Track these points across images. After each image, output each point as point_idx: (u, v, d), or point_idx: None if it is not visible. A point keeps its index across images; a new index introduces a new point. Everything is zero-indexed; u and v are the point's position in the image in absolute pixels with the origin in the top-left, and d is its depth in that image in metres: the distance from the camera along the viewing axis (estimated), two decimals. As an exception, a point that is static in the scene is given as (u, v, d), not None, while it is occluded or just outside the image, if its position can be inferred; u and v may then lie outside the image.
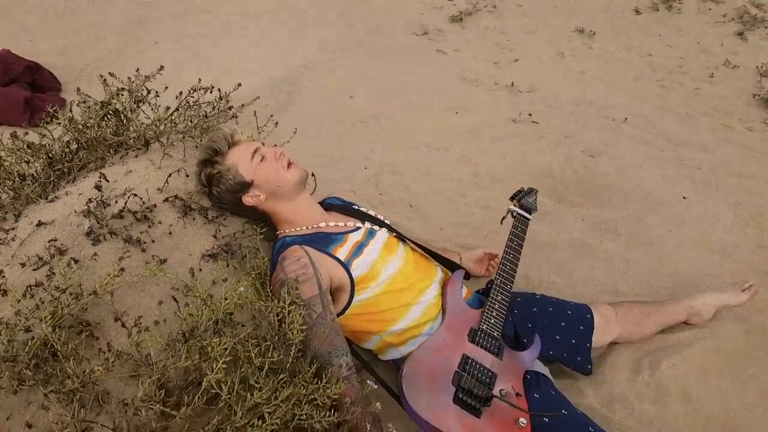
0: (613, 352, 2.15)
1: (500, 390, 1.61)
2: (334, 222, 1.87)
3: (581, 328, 1.95)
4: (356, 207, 2.04)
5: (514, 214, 2.09)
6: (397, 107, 3.78)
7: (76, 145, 1.97)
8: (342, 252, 1.75)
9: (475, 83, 4.40)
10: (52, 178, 1.88)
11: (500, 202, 2.95)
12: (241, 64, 4.03)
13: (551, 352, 1.90)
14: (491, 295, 1.84)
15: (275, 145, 1.94)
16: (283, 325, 1.44)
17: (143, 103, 2.23)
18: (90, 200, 1.67)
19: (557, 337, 1.91)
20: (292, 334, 1.43)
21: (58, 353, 1.28)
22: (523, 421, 1.55)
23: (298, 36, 4.65)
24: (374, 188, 2.82)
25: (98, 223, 1.61)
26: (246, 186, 1.81)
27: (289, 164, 1.84)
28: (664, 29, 5.29)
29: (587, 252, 2.65)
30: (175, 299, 1.51)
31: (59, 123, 2.03)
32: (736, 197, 3.08)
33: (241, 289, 1.43)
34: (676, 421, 1.94)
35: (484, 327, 1.74)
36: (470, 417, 1.55)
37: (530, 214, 2.11)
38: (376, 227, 1.90)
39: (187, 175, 1.86)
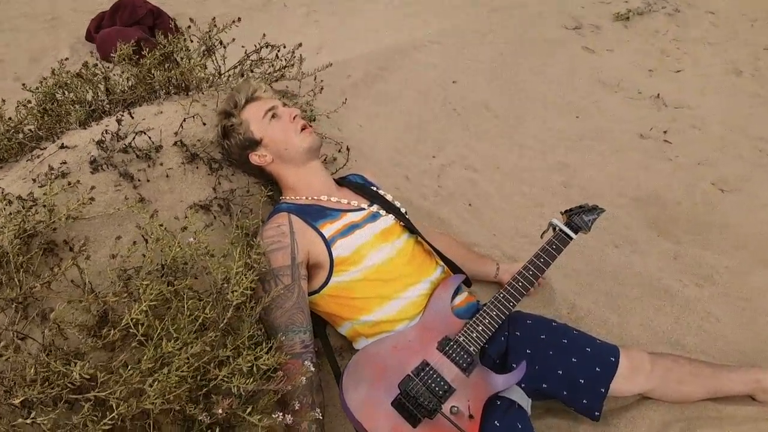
0: (640, 406, 1.93)
1: (452, 406, 1.53)
2: (337, 198, 1.85)
3: (597, 369, 1.78)
4: (375, 188, 2.02)
5: (556, 228, 1.93)
6: (506, 101, 3.65)
7: (128, 82, 2.16)
8: (330, 228, 1.74)
9: (613, 88, 4.12)
10: (94, 108, 2.09)
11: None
12: (347, 35, 4.14)
13: (545, 386, 1.76)
14: (485, 308, 1.74)
15: (294, 106, 1.96)
16: (225, 285, 1.48)
17: (211, 53, 2.38)
18: (105, 131, 1.83)
19: (559, 372, 1.76)
20: (232, 295, 1.46)
21: (11, 262, 1.43)
22: None
23: (429, 17, 4.66)
24: (434, 179, 2.76)
25: (104, 153, 1.77)
26: (254, 144, 1.84)
27: (303, 128, 1.85)
28: None
29: (662, 294, 2.38)
30: (145, 239, 1.61)
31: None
32: None
33: (191, 239, 1.49)
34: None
35: (461, 339, 1.65)
36: (405, 424, 1.50)
37: (576, 233, 1.92)
38: (382, 212, 1.86)
39: (204, 124, 1.96)
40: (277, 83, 2.57)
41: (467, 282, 1.90)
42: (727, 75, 4.45)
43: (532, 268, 1.82)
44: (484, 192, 2.80)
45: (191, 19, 2.43)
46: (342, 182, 1.99)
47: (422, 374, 1.57)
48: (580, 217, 1.94)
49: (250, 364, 1.43)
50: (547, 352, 1.79)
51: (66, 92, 2.21)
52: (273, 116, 1.84)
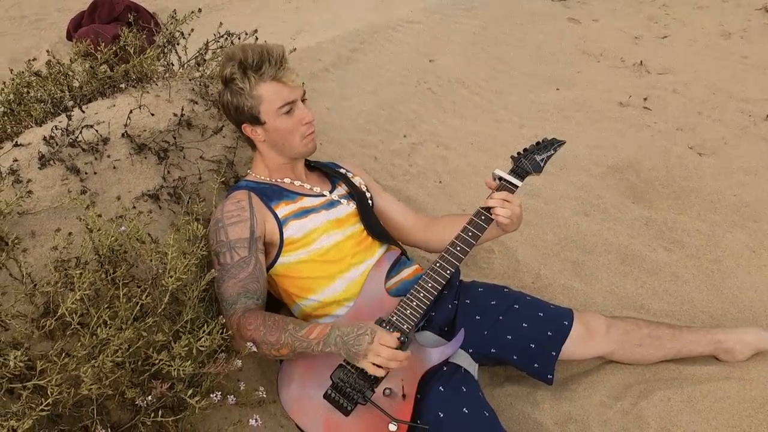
0: (600, 370, 1.92)
1: (385, 389, 1.50)
2: (300, 182, 1.82)
3: (549, 333, 1.74)
4: (343, 170, 1.96)
5: (500, 179, 1.73)
6: (485, 76, 3.59)
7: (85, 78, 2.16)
8: (284, 209, 1.72)
9: (596, 58, 4.04)
10: (55, 105, 2.09)
11: (554, 193, 2.71)
12: (326, 19, 4.10)
13: (494, 351, 1.73)
14: (420, 281, 1.63)
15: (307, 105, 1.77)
16: (161, 271, 1.48)
17: (171, 45, 2.38)
18: (54, 127, 1.83)
19: (509, 337, 1.73)
20: (168, 281, 1.46)
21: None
22: (393, 426, 1.44)
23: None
24: (404, 158, 2.72)
25: (52, 149, 1.77)
26: (256, 122, 1.71)
27: (309, 135, 1.75)
28: None
29: (629, 260, 2.34)
30: (90, 229, 1.61)
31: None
32: None
33: (122, 228, 1.48)
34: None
35: (393, 318, 1.57)
36: (337, 415, 1.49)
37: (523, 179, 1.73)
38: (342, 201, 1.82)
39: (152, 114, 1.95)
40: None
41: (406, 256, 1.85)
42: (715, 38, 4.33)
43: (472, 229, 1.67)
44: (455, 168, 2.77)
45: (153, 14, 2.44)
46: (314, 167, 1.95)
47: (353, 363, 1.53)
48: (531, 159, 1.76)
49: (187, 348, 1.43)
50: (496, 317, 1.75)
51: (29, 91, 2.21)
52: (288, 111, 1.69)
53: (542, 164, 1.75)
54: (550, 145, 1.79)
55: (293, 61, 2.75)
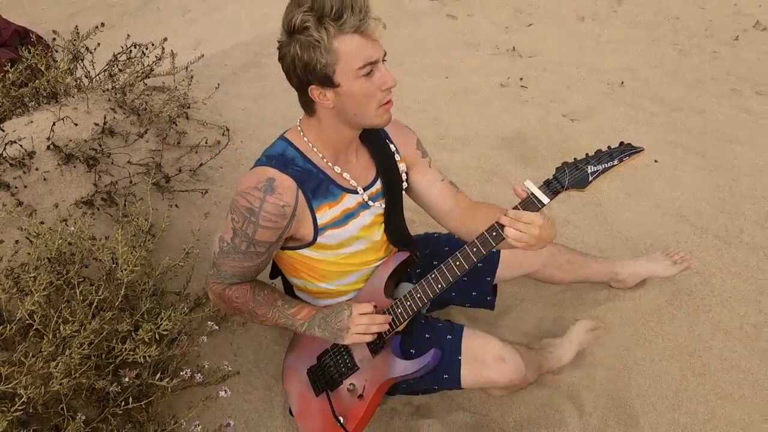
0: (518, 308, 2.17)
1: (350, 383, 1.56)
2: (347, 174, 1.53)
3: (480, 264, 1.60)
4: (393, 147, 1.64)
5: (529, 191, 1.37)
6: (379, 71, 3.74)
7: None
8: (326, 214, 1.50)
9: (475, 48, 4.29)
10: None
11: (458, 165, 2.91)
12: (225, 28, 4.10)
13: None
14: (410, 290, 1.54)
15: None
16: (114, 266, 1.49)
17: (78, 60, 2.33)
18: (-25, 147, 1.77)
19: None
20: (122, 274, 1.47)
21: None
22: (341, 419, 1.54)
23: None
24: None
25: (-24, 168, 1.71)
26: (328, 83, 1.31)
27: (387, 103, 1.38)
28: (700, -11, 4.96)
29: (528, 215, 2.58)
30: (30, 240, 1.58)
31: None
32: (719, 162, 2.88)
33: (71, 228, 1.48)
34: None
35: None
36: (310, 391, 1.58)
37: (557, 194, 1.36)
38: (375, 204, 1.58)
39: (76, 124, 1.92)
40: (150, 80, 2.53)
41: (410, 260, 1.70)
42: (572, 22, 4.72)
43: (478, 244, 1.41)
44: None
45: (54, 31, 2.38)
46: (364, 139, 1.60)
47: (336, 349, 1.60)
48: (579, 170, 1.35)
49: (150, 334, 1.45)
50: (432, 265, 1.74)
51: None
52: (368, 73, 1.32)
53: (591, 178, 1.35)
54: (618, 153, 1.34)
55: (206, 65, 2.76)
